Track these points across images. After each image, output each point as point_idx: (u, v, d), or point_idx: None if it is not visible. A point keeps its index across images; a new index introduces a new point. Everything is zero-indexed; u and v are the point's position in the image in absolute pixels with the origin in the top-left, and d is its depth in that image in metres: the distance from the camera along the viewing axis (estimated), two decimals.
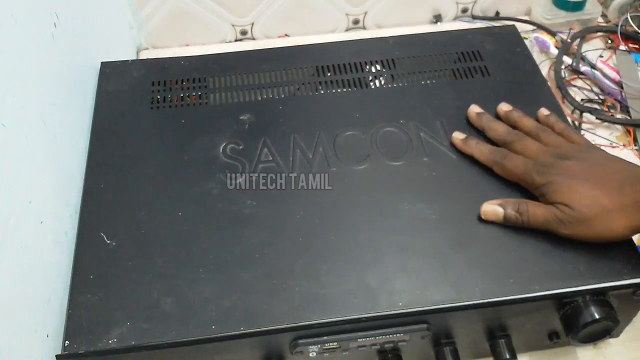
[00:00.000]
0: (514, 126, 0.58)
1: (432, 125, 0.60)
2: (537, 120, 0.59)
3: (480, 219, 0.52)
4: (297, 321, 0.47)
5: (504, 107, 0.60)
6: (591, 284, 0.48)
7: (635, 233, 0.49)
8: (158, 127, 0.60)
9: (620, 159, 0.52)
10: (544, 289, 0.48)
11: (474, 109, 0.60)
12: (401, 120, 0.61)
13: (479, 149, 0.56)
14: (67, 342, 0.46)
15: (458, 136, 0.58)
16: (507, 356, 0.51)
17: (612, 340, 0.56)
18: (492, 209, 0.52)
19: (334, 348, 0.49)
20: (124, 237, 0.51)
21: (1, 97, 0.44)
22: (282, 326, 0.46)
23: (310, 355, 0.49)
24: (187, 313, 0.47)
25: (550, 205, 0.50)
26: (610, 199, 0.48)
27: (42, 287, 0.48)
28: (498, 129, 0.58)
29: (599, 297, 0.49)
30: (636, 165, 0.51)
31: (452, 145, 0.58)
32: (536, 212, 0.50)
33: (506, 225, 0.52)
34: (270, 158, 0.57)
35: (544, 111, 0.59)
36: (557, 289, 0.48)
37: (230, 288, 0.48)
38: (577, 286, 0.48)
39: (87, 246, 0.51)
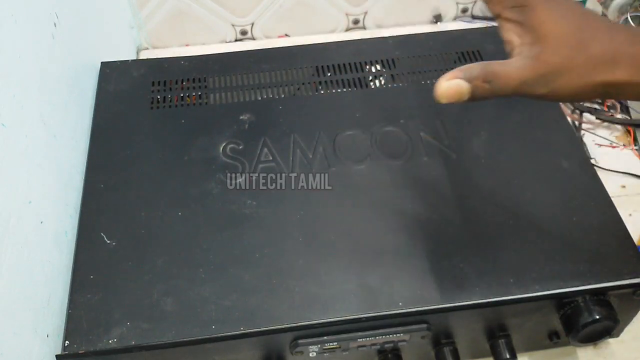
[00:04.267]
0: None
1: (432, 125, 0.60)
2: None
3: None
4: (297, 321, 0.47)
5: None
6: (591, 284, 0.48)
7: (609, 92, 0.41)
8: (158, 127, 0.60)
9: None
10: (544, 289, 0.48)
11: None
12: (401, 120, 0.61)
13: None
14: (67, 342, 0.46)
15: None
16: (507, 356, 0.51)
17: (612, 340, 0.56)
18: (456, 85, 0.40)
19: (334, 348, 0.49)
20: (124, 237, 0.51)
21: (1, 97, 0.44)
22: (282, 326, 0.46)
23: (310, 355, 0.49)
24: (187, 313, 0.47)
25: (523, 57, 0.41)
26: (601, 44, 0.40)
27: (42, 287, 0.48)
28: None
29: (599, 297, 0.49)
30: None
31: (453, 145, 0.58)
32: (509, 73, 0.40)
33: (473, 100, 0.41)
34: (270, 158, 0.57)
35: None
36: (557, 289, 0.48)
37: (230, 288, 0.48)
38: (577, 286, 0.48)
39: (87, 246, 0.51)
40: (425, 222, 0.52)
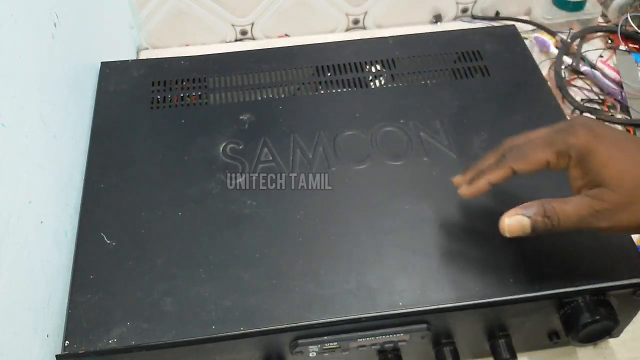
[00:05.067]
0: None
1: (432, 125, 0.60)
2: None
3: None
4: (297, 321, 0.47)
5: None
6: (591, 284, 0.48)
7: None
8: (158, 127, 0.60)
9: None
10: (544, 289, 0.48)
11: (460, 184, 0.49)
12: (401, 120, 0.61)
13: (486, 171, 0.47)
14: (67, 342, 0.46)
15: (458, 181, 0.49)
16: (507, 356, 0.51)
17: (612, 340, 0.56)
18: (517, 221, 0.44)
19: (334, 348, 0.49)
20: (124, 237, 0.51)
21: (1, 97, 0.44)
22: (282, 326, 0.46)
23: (310, 355, 0.49)
24: (187, 313, 0.47)
25: (582, 196, 0.43)
26: None
27: (42, 287, 0.48)
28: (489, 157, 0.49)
29: (599, 297, 0.49)
30: None
31: (453, 145, 0.58)
32: (566, 210, 0.43)
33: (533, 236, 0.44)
34: (270, 158, 0.57)
35: None
36: (557, 289, 0.48)
37: (230, 288, 0.48)
38: (577, 286, 0.48)
39: (87, 246, 0.51)
40: (425, 222, 0.52)
